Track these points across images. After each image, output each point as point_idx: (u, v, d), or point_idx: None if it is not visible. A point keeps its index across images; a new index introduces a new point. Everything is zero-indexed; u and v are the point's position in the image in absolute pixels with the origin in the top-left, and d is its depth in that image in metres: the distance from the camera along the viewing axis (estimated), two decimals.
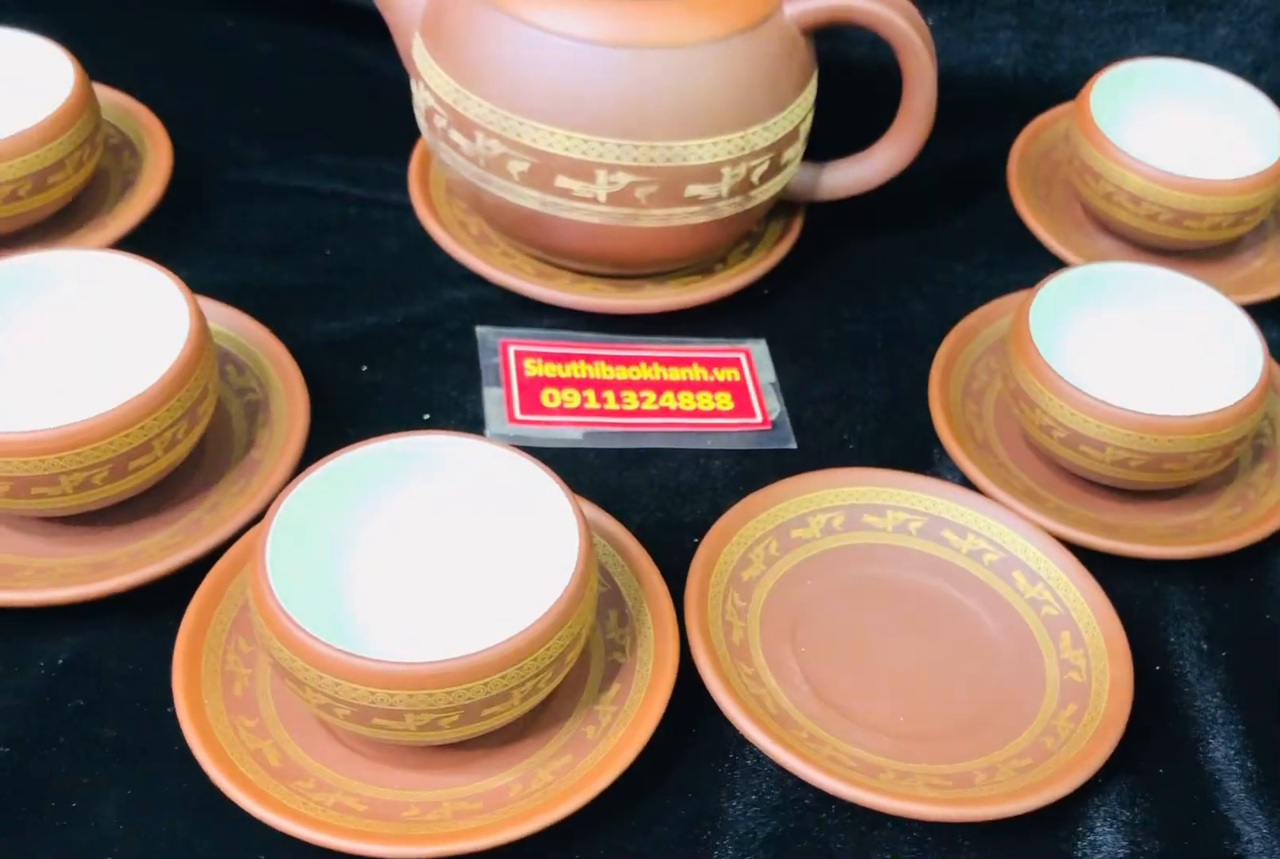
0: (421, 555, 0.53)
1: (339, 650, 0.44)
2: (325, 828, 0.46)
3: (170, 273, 0.56)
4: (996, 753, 0.52)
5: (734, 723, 0.50)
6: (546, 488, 0.50)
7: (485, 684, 0.45)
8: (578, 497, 0.51)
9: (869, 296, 0.73)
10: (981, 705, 0.54)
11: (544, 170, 0.62)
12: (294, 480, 0.49)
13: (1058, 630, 0.56)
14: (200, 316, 0.55)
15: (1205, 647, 0.58)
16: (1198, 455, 0.58)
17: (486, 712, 0.46)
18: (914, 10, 0.66)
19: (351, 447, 0.50)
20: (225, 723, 0.49)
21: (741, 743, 0.52)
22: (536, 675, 0.46)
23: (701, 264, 0.71)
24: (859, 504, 0.60)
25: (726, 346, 0.69)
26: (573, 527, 0.49)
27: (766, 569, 0.57)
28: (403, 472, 0.51)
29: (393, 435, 0.51)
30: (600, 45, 0.60)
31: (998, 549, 0.58)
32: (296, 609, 0.45)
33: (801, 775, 0.49)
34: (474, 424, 0.63)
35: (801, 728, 0.52)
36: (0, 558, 0.54)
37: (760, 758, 0.52)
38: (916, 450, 0.64)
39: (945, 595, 0.58)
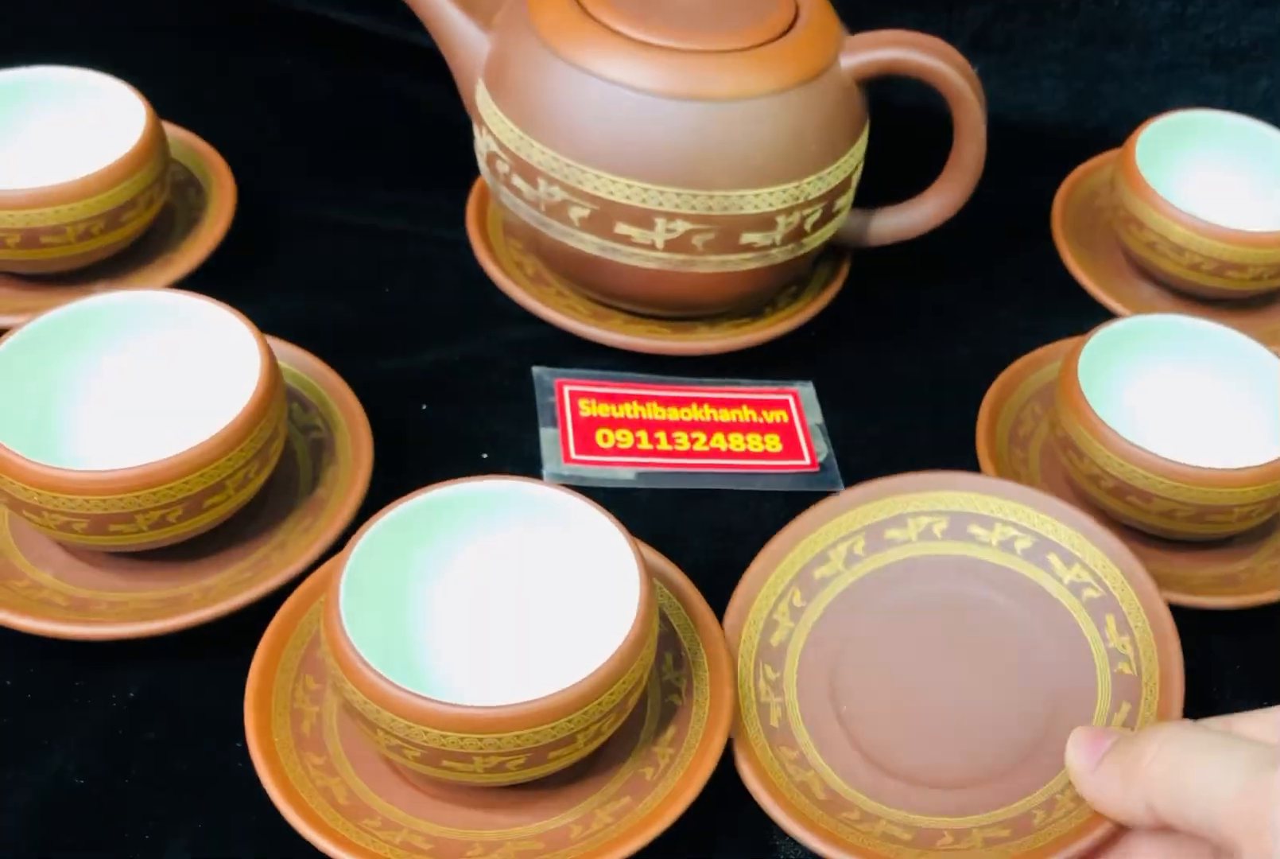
0: (487, 597, 0.54)
1: (413, 694, 0.45)
2: None
3: (239, 313, 0.57)
4: (1054, 781, 0.51)
5: (782, 827, 0.50)
6: (608, 532, 0.51)
7: (552, 728, 0.46)
8: (636, 540, 0.52)
9: (914, 340, 0.74)
10: (1034, 723, 0.53)
11: (604, 217, 0.63)
12: (367, 521, 0.50)
13: (1102, 615, 0.55)
14: (271, 357, 0.56)
15: (1247, 696, 0.59)
16: (1243, 508, 0.59)
17: (552, 754, 0.47)
18: (966, 63, 0.67)
19: (424, 490, 0.51)
20: (294, 760, 0.50)
21: None
22: (600, 719, 0.47)
23: (752, 307, 0.72)
24: (877, 522, 0.58)
25: (775, 388, 0.70)
26: (634, 571, 0.50)
27: (794, 626, 0.56)
28: (471, 515, 0.53)
29: (462, 480, 0.52)
30: (662, 97, 0.61)
31: (1027, 533, 0.57)
32: (368, 650, 0.46)
33: None
34: (530, 463, 0.64)
35: (853, 807, 0.51)
36: (75, 592, 0.56)
37: None
38: None
39: (980, 598, 0.56)
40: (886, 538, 0.58)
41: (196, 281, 0.67)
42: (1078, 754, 0.46)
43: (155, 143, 0.66)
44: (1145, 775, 0.42)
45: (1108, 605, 0.55)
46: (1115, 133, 0.79)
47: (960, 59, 0.67)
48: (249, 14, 0.87)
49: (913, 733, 0.54)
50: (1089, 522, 0.56)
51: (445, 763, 0.46)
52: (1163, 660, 0.52)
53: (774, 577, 0.57)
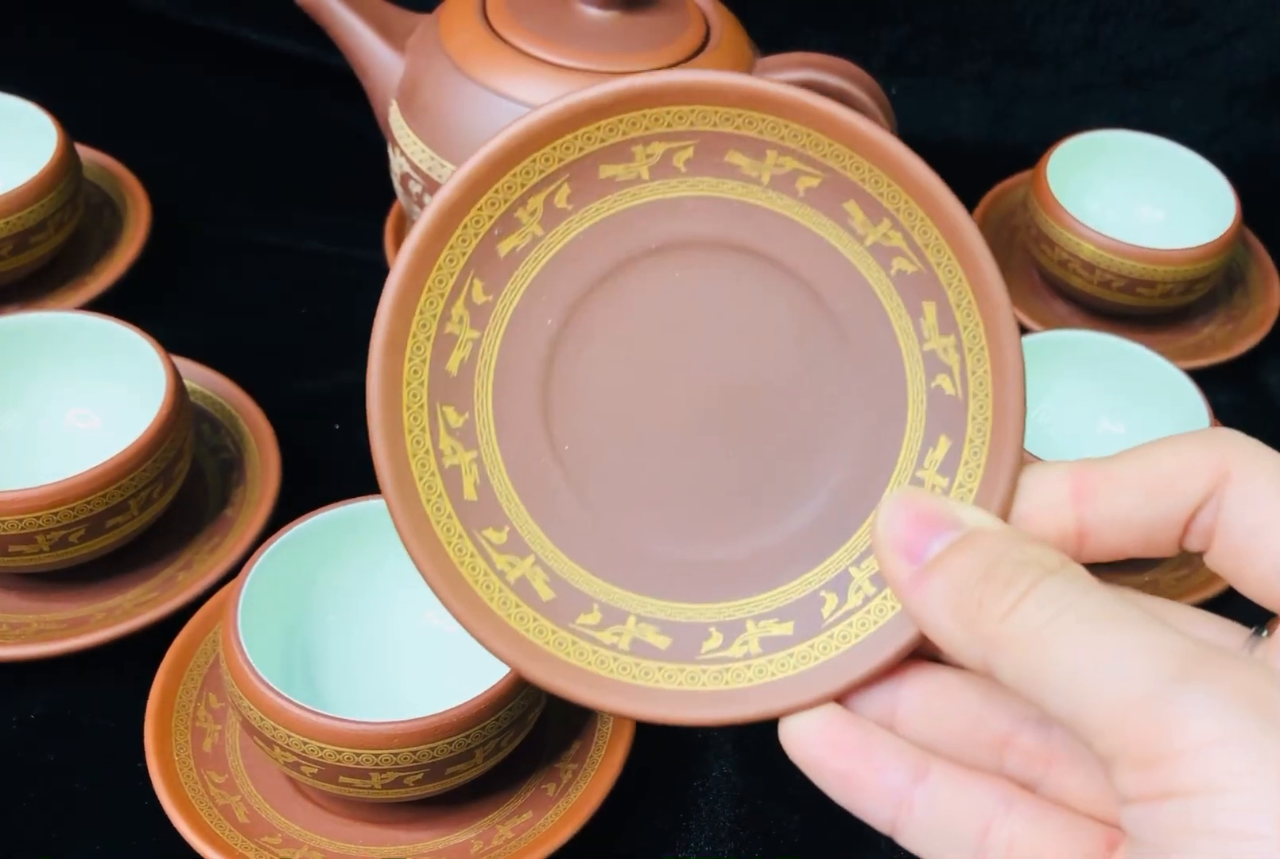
0: (389, 615, 0.54)
1: (307, 709, 0.45)
2: None
3: (147, 335, 0.57)
4: (841, 550, 0.36)
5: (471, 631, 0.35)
6: None
7: (449, 743, 0.46)
8: None
9: None
10: (821, 455, 0.36)
11: None
12: (267, 540, 0.50)
13: (917, 301, 0.35)
14: (177, 378, 0.56)
15: None
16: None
17: (450, 770, 0.47)
18: (875, 84, 0.68)
19: (324, 508, 0.51)
20: (195, 778, 0.50)
21: (698, 796, 0.54)
22: (499, 735, 0.47)
23: None
24: (587, 154, 0.35)
25: None
26: None
27: (479, 336, 0.36)
28: (373, 532, 0.53)
29: (363, 497, 0.52)
30: None
31: (818, 169, 0.35)
32: (266, 668, 0.46)
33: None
34: None
35: (591, 605, 0.36)
36: None
37: (715, 809, 0.53)
38: None
39: (744, 271, 0.36)
40: (603, 178, 0.36)
41: (110, 304, 0.67)
42: (894, 550, 0.32)
43: (66, 164, 0.66)
44: (998, 631, 0.29)
45: (927, 287, 0.35)
46: (1031, 153, 0.80)
47: (869, 80, 0.68)
48: (167, 36, 0.88)
49: (660, 486, 0.36)
50: (910, 156, 0.34)
51: (343, 779, 0.46)
52: (997, 383, 0.34)
53: (440, 260, 0.35)
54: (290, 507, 0.59)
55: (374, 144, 0.74)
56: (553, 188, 0.35)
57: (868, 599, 0.35)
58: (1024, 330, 0.73)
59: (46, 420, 0.59)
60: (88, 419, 0.59)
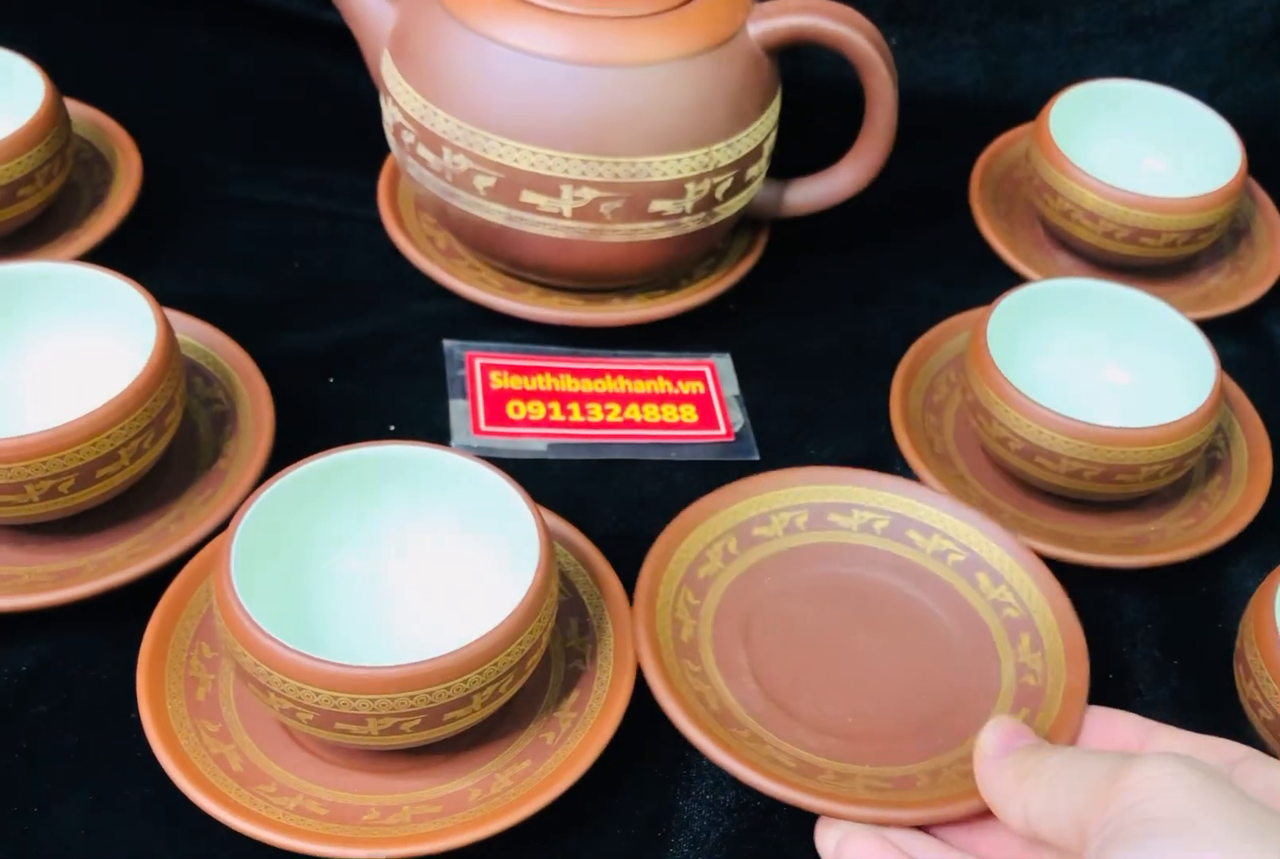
0: (386, 563, 0.54)
1: (302, 654, 0.44)
2: (286, 831, 0.46)
3: (138, 284, 0.56)
4: (943, 756, 0.52)
5: (671, 719, 0.50)
6: (509, 496, 0.51)
7: (447, 688, 0.45)
8: (540, 506, 0.51)
9: (831, 311, 0.74)
10: (933, 707, 0.54)
11: (510, 185, 0.63)
12: (259, 488, 0.50)
13: (1018, 632, 0.56)
14: (167, 327, 0.55)
15: (1158, 655, 0.59)
16: (1150, 467, 0.59)
17: (448, 716, 0.46)
18: (875, 30, 0.67)
19: (317, 455, 0.51)
20: (188, 728, 0.49)
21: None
22: (497, 680, 0.47)
23: (667, 279, 0.72)
24: (824, 503, 0.59)
25: (691, 360, 0.70)
26: (534, 534, 0.49)
27: (724, 567, 0.57)
28: (367, 480, 0.52)
29: (358, 444, 0.51)
30: (565, 63, 0.61)
31: (963, 550, 0.58)
32: (260, 615, 0.46)
33: (730, 770, 0.48)
34: (439, 435, 0.64)
35: (743, 726, 0.52)
36: None
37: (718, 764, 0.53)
38: (877, 461, 0.65)
39: (906, 595, 0.57)
40: (829, 520, 0.59)
41: (102, 257, 0.66)
42: (992, 739, 0.47)
43: (53, 117, 0.65)
44: (1033, 784, 0.43)
45: (1025, 626, 0.56)
46: (1032, 104, 0.79)
47: (869, 26, 0.67)
48: None
49: (814, 684, 0.54)
50: (1022, 551, 0.57)
51: (339, 725, 0.45)
52: (1070, 682, 0.53)
53: (713, 520, 0.58)
54: (282, 460, 0.57)
55: (366, 98, 0.73)
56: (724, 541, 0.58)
57: (951, 783, 0.50)
58: (1027, 281, 0.72)
59: (36, 371, 0.58)
60: (78, 370, 0.58)
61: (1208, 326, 0.66)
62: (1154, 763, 0.40)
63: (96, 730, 0.51)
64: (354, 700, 0.45)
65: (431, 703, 0.45)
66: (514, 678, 0.48)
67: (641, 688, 0.52)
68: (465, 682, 0.46)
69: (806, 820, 0.50)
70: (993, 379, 0.60)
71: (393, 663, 0.45)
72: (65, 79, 0.69)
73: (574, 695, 0.52)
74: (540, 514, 0.50)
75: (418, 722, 0.46)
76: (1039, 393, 0.61)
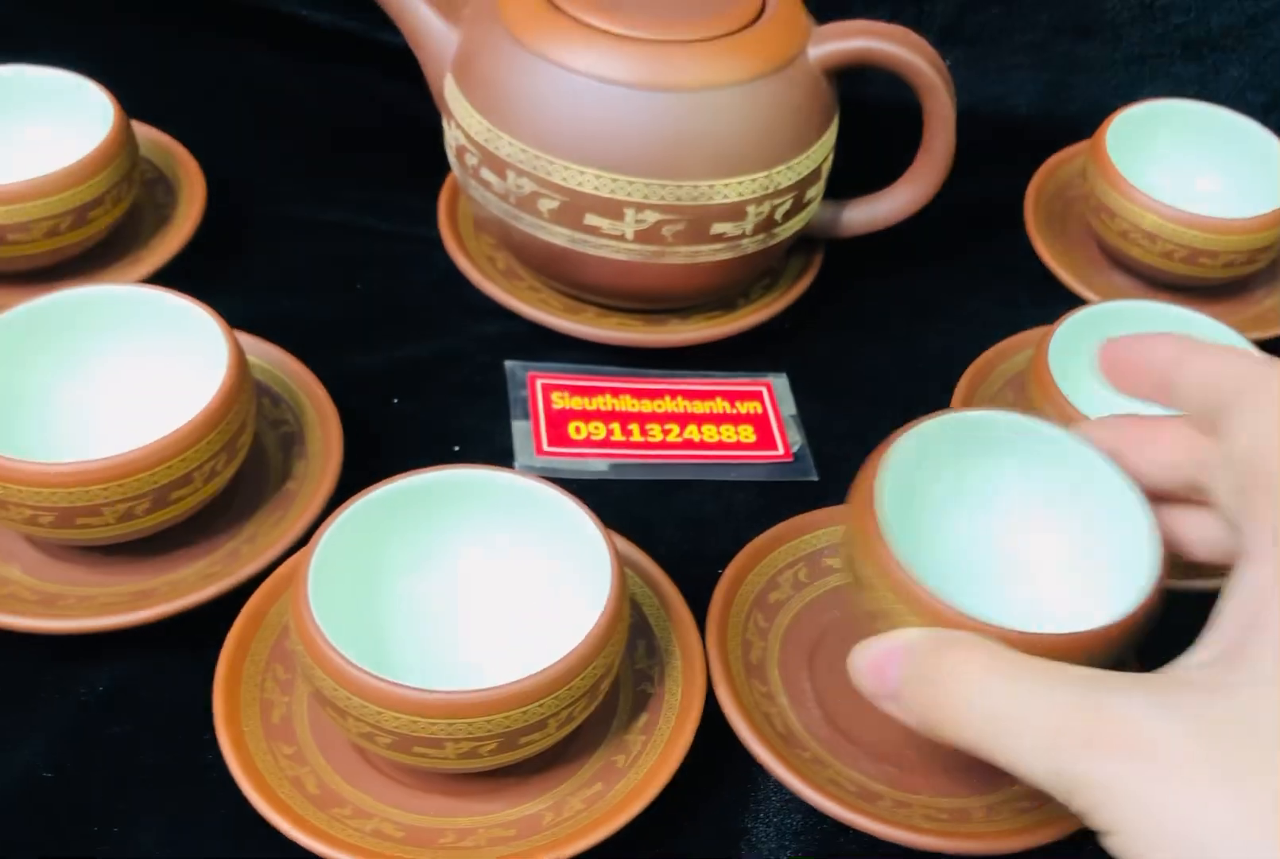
0: (458, 585, 0.54)
1: (383, 680, 0.45)
2: (363, 854, 0.46)
3: (208, 307, 0.57)
4: (1000, 793, 0.52)
5: (738, 735, 0.51)
6: (579, 520, 0.51)
7: (524, 713, 0.46)
8: (608, 528, 0.52)
9: (887, 332, 0.74)
10: None
11: (573, 208, 0.63)
12: (335, 511, 0.50)
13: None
14: (239, 350, 0.56)
15: None
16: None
17: (524, 740, 0.47)
18: (934, 53, 0.67)
19: (392, 479, 0.51)
20: (264, 750, 0.50)
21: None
22: (572, 704, 0.47)
23: (725, 299, 0.72)
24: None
25: (749, 380, 0.70)
26: (605, 558, 0.50)
27: (794, 594, 0.58)
28: (439, 504, 0.52)
29: (432, 468, 0.52)
30: (630, 87, 0.61)
31: None
32: (337, 638, 0.46)
33: (795, 791, 0.49)
34: (503, 456, 0.64)
35: (806, 748, 0.52)
36: (43, 586, 0.55)
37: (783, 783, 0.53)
38: None
39: None
40: (825, 565, 0.59)
41: (166, 279, 0.66)
42: (867, 683, 0.41)
43: (122, 140, 0.66)
44: (965, 720, 0.37)
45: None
46: (1086, 124, 0.79)
47: (929, 49, 0.67)
48: (220, 13, 0.87)
49: (877, 713, 0.53)
50: None
51: (416, 749, 0.46)
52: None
53: (786, 548, 0.59)
54: (349, 481, 0.58)
55: (426, 120, 0.73)
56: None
57: (1015, 813, 0.51)
58: (1084, 302, 0.73)
59: (108, 394, 0.59)
60: (149, 392, 0.59)
61: (1263, 347, 0.66)
62: None
63: (172, 751, 0.52)
64: (433, 724, 0.45)
65: (508, 727, 0.46)
66: (588, 701, 0.48)
67: (709, 710, 0.52)
68: (541, 706, 0.46)
69: (870, 844, 0.51)
70: (1054, 400, 0.60)
71: (464, 687, 0.45)
72: (129, 101, 0.69)
73: (643, 718, 0.52)
74: (611, 538, 0.50)
75: (494, 745, 0.46)
76: (1099, 415, 0.61)
